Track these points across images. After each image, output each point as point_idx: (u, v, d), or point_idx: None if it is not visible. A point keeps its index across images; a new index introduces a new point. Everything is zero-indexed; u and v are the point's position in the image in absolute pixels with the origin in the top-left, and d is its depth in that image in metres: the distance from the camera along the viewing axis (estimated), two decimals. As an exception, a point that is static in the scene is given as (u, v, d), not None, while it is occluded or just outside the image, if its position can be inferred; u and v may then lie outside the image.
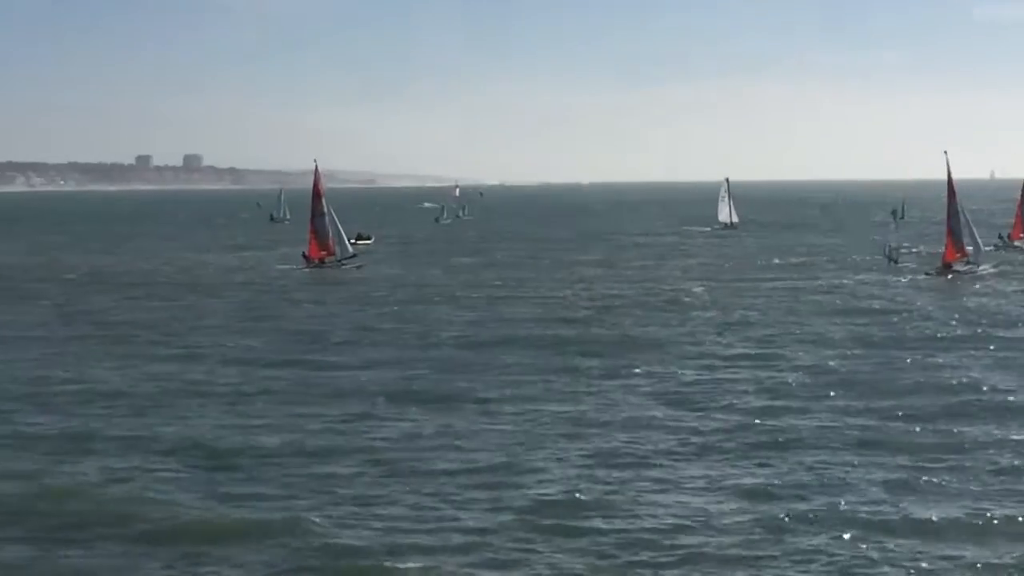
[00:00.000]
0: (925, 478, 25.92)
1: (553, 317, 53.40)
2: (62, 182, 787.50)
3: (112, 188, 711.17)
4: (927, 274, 70.86)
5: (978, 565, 20.91)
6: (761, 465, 27.20)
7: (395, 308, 57.85)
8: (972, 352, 42.46)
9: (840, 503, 24.14)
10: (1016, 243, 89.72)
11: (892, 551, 21.53)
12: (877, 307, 56.29)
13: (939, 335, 46.67)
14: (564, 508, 23.98)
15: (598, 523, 23.09)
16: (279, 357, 43.04)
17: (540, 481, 25.95)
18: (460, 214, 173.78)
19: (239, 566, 21.34)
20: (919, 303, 57.56)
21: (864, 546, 21.70)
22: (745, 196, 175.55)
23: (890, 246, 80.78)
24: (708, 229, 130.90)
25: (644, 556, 21.41)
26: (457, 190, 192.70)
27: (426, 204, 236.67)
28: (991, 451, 28.21)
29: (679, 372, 39.18)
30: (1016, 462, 27.19)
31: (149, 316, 56.14)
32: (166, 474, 27.06)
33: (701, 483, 25.82)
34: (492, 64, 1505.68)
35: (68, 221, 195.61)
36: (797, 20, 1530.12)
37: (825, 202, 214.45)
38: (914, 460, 27.44)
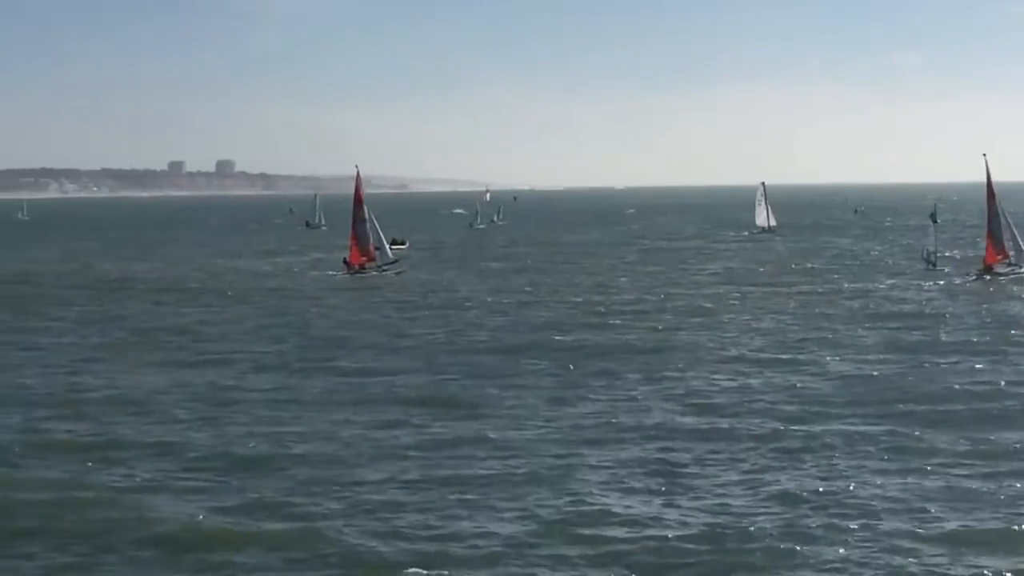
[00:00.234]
0: (958, 485, 25.66)
1: (585, 323, 53.19)
2: (95, 188, 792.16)
3: (144, 194, 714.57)
4: (967, 276, 70.30)
5: (1007, 574, 20.64)
6: (792, 472, 26.98)
7: (427, 313, 57.78)
8: (1010, 357, 42.05)
9: (872, 511, 23.89)
10: None
11: (925, 560, 21.28)
12: (914, 311, 55.94)
13: (976, 339, 46.25)
14: (595, 516, 23.78)
15: (629, 532, 22.87)
16: (311, 364, 42.88)
17: (571, 489, 25.72)
18: (494, 219, 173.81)
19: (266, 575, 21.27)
20: (958, 307, 57.18)
21: (897, 555, 21.44)
22: (780, 200, 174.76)
23: (928, 249, 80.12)
24: (745, 233, 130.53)
25: (674, 564, 21.25)
26: (487, 195, 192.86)
27: (456, 210, 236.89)
28: (1025, 458, 27.89)
29: (710, 377, 38.94)
30: (1052, 469, 26.86)
31: (183, 322, 56.13)
32: (195, 483, 26.91)
33: (731, 490, 25.58)
34: (523, 69, 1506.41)
35: (100, 227, 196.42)
36: (828, 23, 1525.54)
37: (857, 206, 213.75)
38: (947, 467, 27.17)
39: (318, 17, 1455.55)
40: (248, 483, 26.66)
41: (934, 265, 76.88)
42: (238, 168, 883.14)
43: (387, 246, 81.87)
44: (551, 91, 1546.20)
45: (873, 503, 24.40)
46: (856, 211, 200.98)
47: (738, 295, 64.32)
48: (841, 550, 21.69)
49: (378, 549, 22.07)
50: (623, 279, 76.41)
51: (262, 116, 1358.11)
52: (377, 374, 40.48)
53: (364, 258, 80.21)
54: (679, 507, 24.41)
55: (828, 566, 21.03)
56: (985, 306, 57.38)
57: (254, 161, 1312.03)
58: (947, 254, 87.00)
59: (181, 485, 26.63)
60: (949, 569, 20.88)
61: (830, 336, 47.85)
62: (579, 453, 28.87)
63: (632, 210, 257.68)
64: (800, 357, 42.91)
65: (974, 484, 25.71)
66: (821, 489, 25.40)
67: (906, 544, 21.93)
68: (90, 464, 28.46)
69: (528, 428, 31.70)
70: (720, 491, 25.52)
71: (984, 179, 70.76)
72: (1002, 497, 24.82)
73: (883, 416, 32.46)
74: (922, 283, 69.19)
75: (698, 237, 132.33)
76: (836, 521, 23.22)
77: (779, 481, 26.18)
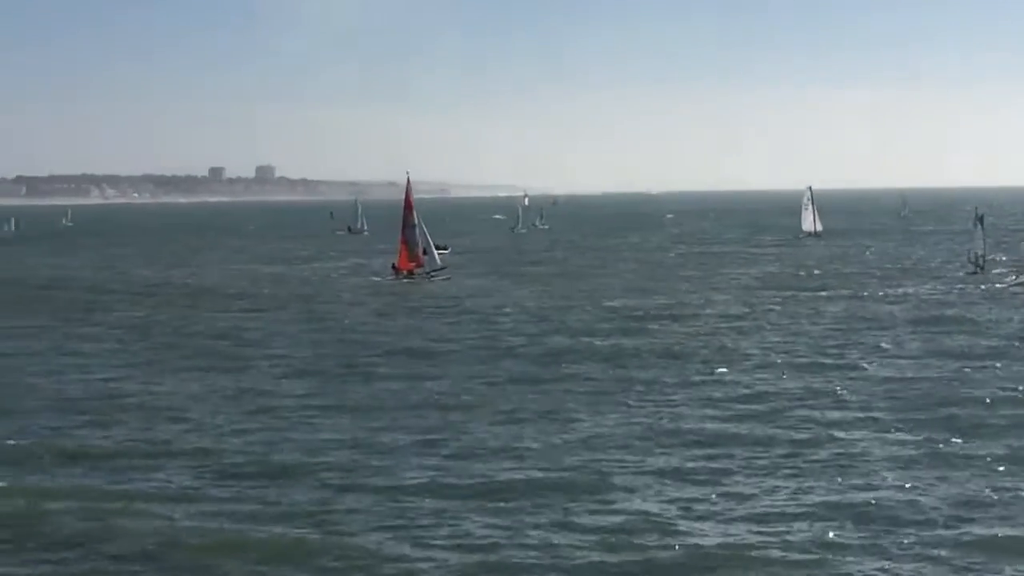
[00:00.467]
0: (1000, 493, 25.34)
1: (624, 327, 53.01)
2: (135, 194, 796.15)
3: (184, 200, 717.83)
4: (1013, 280, 69.73)
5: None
6: (832, 479, 26.66)
7: (468, 318, 57.79)
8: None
9: (913, 519, 23.63)
10: None
11: (967, 569, 21.07)
12: (957, 315, 55.48)
13: (1020, 344, 45.79)
14: (634, 524, 23.58)
15: (667, 540, 22.65)
16: (351, 369, 42.85)
17: (610, 496, 25.55)
18: (536, 223, 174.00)
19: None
20: (1003, 311, 56.72)
21: (939, 564, 21.24)
22: (827, 204, 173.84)
23: (976, 253, 79.44)
24: (788, 237, 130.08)
25: (715, 574, 21.09)
26: (526, 199, 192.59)
27: (496, 216, 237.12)
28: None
29: (750, 383, 38.67)
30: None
31: (221, 327, 56.19)
32: (232, 490, 26.80)
33: (771, 497, 25.32)
34: (563, 74, 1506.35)
35: (141, 233, 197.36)
36: (873, 24, 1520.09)
37: (901, 209, 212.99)
38: (989, 474, 26.84)
39: (359, 22, 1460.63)
40: (284, 491, 26.51)
41: (982, 268, 76.32)
42: (278, 174, 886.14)
43: (435, 252, 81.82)
44: (590, 95, 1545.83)
45: (914, 511, 24.15)
46: (900, 215, 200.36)
47: (779, 300, 64.01)
48: (882, 560, 21.45)
49: (416, 558, 21.92)
50: (663, 284, 76.24)
51: (302, 121, 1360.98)
52: (417, 380, 40.36)
53: (412, 264, 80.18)
54: (719, 515, 24.20)
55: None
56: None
57: (294, 167, 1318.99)
58: (990, 256, 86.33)
59: (217, 493, 26.52)
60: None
61: (871, 341, 47.46)
62: (618, 459, 28.68)
63: (671, 215, 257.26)
64: (841, 362, 42.58)
65: (1017, 492, 25.40)
66: (861, 497, 25.13)
67: (947, 553, 21.69)
68: (126, 471, 28.46)
69: (567, 434, 31.52)
70: (760, 498, 25.29)
71: None
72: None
73: (924, 422, 32.11)
74: (966, 287, 68.75)
75: (738, 242, 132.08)
76: (877, 529, 22.98)
77: (819, 488, 25.91)
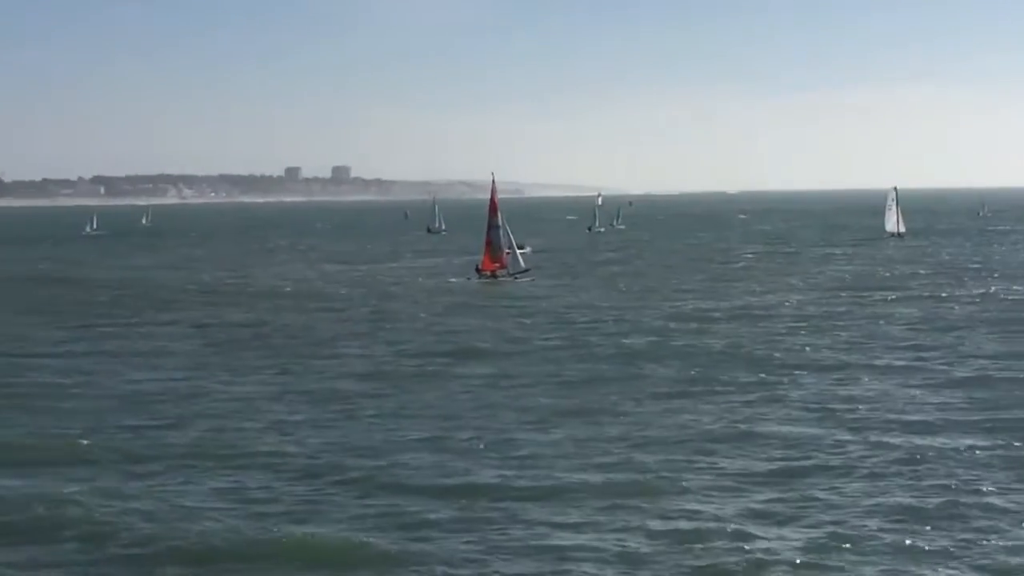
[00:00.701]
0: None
1: (700, 328, 52.71)
2: (212, 194, 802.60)
3: (260, 200, 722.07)
4: None
5: None
6: (909, 484, 26.30)
7: (543, 318, 57.76)
8: None
9: (991, 524, 23.31)
10: None
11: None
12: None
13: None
14: (709, 527, 23.38)
15: (744, 544, 22.38)
16: (427, 370, 42.79)
17: (684, 500, 25.34)
18: (613, 223, 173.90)
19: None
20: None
21: (1018, 573, 20.96)
22: (911, 204, 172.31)
23: None
24: (867, 237, 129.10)
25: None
26: (599, 199, 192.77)
27: (569, 217, 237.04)
28: None
29: (827, 385, 38.30)
30: None
31: (297, 326, 56.34)
32: (302, 494, 26.55)
33: (847, 502, 24.97)
34: (637, 73, 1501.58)
35: (218, 232, 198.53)
36: (951, 24, 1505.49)
37: (980, 209, 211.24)
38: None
39: (434, 22, 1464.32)
40: (357, 494, 26.35)
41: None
42: (353, 174, 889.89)
43: (519, 253, 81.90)
44: (664, 95, 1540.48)
45: (993, 515, 23.83)
46: (979, 214, 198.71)
47: (856, 300, 63.49)
48: (960, 565, 21.23)
49: (488, 562, 21.76)
50: (738, 284, 75.91)
51: (377, 122, 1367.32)
52: (492, 380, 40.35)
53: (496, 264, 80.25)
54: (793, 519, 23.96)
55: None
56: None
57: (369, 167, 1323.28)
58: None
59: (289, 496, 26.37)
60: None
61: (950, 342, 46.96)
62: (692, 461, 28.48)
63: (746, 215, 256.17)
64: (919, 364, 42.15)
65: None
66: (939, 501, 24.80)
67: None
68: (198, 472, 28.48)
69: (641, 435, 31.34)
70: (836, 502, 25.00)
71: None
72: None
73: (1004, 425, 31.68)
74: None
75: (816, 242, 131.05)
76: (955, 535, 22.68)
77: (896, 493, 25.57)
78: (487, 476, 27.52)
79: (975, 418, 32.73)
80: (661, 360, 43.75)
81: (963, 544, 22.20)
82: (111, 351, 49.20)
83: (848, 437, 30.73)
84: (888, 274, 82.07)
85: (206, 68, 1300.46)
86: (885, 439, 30.35)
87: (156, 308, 66.40)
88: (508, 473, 27.72)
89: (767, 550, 22.04)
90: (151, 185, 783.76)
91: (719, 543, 22.40)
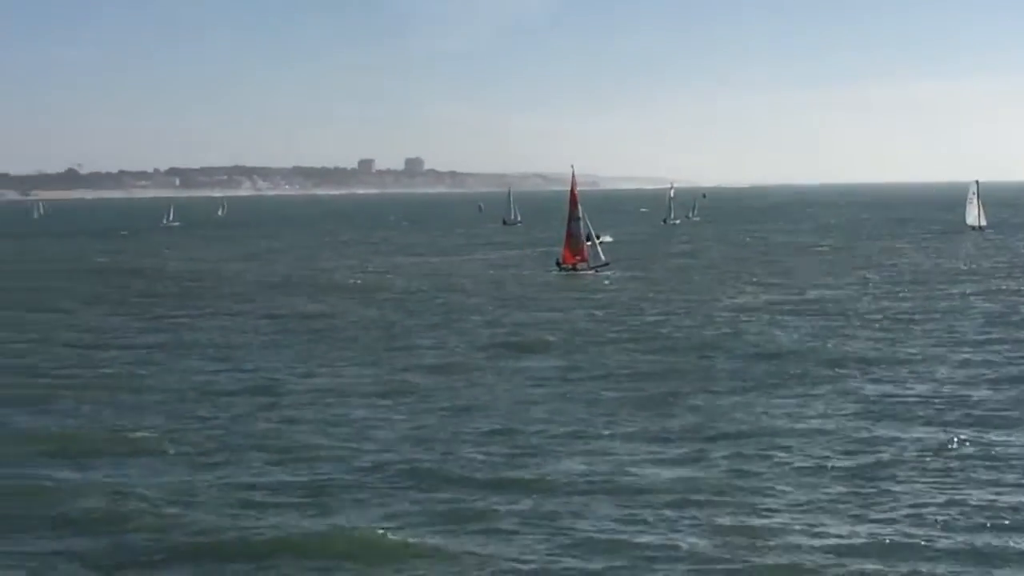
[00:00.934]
0: None
1: (774, 321, 52.37)
2: (286, 186, 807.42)
3: (333, 192, 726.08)
4: None
5: None
6: (982, 483, 25.86)
7: (618, 311, 57.47)
8: None
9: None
10: None
11: None
12: None
13: None
14: (782, 521, 23.18)
15: (816, 540, 22.14)
16: (501, 363, 42.64)
17: (756, 495, 25.06)
18: (688, 215, 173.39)
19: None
20: None
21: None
22: (991, 198, 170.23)
23: None
24: (941, 231, 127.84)
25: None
26: (672, 191, 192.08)
27: (642, 209, 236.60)
28: None
29: (902, 380, 37.76)
30: None
31: (371, 317, 56.35)
32: (372, 488, 26.38)
33: (921, 503, 24.50)
34: (708, 65, 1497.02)
35: (293, 224, 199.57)
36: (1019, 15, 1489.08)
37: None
38: None
39: (505, 16, 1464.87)
40: (425, 488, 26.16)
41: None
42: (427, 166, 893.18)
43: (599, 246, 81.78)
44: (736, 86, 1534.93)
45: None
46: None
47: (932, 294, 62.97)
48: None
49: (560, 558, 21.58)
50: (812, 276, 75.24)
51: (451, 115, 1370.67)
52: (566, 373, 40.21)
53: (577, 257, 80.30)
54: (865, 515, 23.61)
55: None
56: None
57: (443, 159, 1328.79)
58: None
59: (357, 490, 26.16)
60: None
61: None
62: (765, 455, 28.17)
63: (820, 207, 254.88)
64: (995, 359, 41.49)
65: None
66: (1015, 501, 24.40)
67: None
68: (267, 465, 28.36)
69: (712, 427, 31.10)
70: (909, 499, 24.63)
71: None
72: None
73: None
74: None
75: (891, 235, 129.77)
76: (1015, 538, 22.19)
77: (970, 491, 25.17)
78: (557, 470, 27.38)
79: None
80: (733, 353, 43.56)
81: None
82: (186, 342, 49.54)
83: (922, 433, 30.37)
84: (967, 268, 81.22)
85: (280, 61, 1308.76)
86: (960, 435, 29.89)
87: (231, 299, 66.88)
88: (578, 467, 27.58)
89: (838, 546, 21.80)
90: (226, 177, 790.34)
91: (790, 539, 22.20)
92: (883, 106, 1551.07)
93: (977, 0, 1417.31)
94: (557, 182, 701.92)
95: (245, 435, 31.47)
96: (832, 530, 22.76)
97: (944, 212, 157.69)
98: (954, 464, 27.34)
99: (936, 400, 34.56)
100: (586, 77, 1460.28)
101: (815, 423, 31.70)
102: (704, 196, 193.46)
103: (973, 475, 26.39)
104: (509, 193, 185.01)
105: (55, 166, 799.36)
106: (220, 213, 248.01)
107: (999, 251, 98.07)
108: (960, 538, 22.12)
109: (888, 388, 36.61)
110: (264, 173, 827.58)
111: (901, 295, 63.11)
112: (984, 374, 38.69)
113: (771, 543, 22.02)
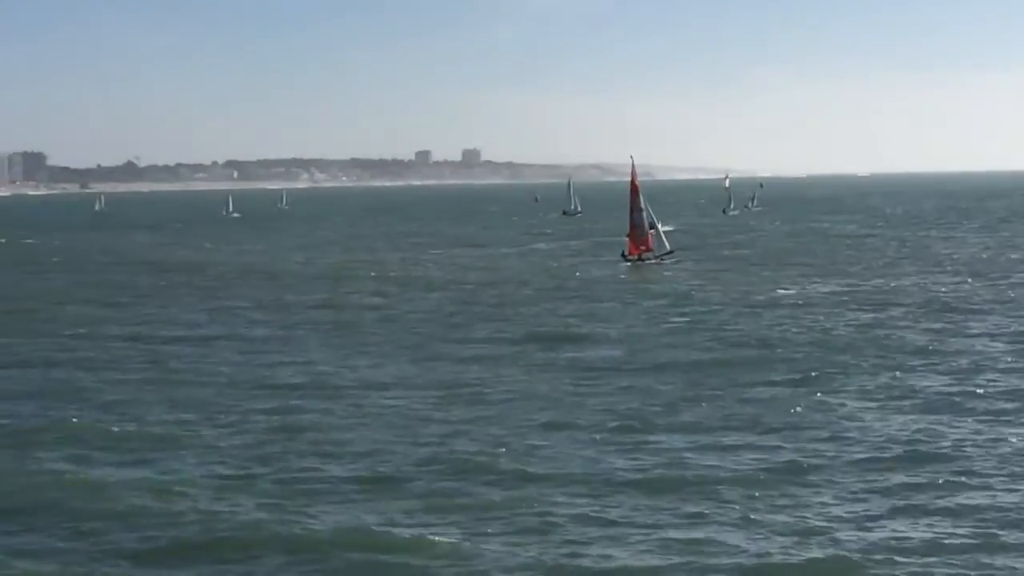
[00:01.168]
0: None
1: (833, 312, 51.90)
2: (344, 177, 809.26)
3: (390, 183, 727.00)
4: None
5: None
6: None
7: (674, 302, 57.20)
8: None
9: None
10: None
11: None
12: None
13: None
14: (838, 516, 23.01)
15: (869, 534, 21.98)
16: (556, 356, 42.50)
17: (812, 492, 24.88)
18: (748, 205, 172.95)
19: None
20: None
21: None
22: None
23: None
24: (1004, 220, 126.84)
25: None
26: (727, 181, 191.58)
27: (700, 200, 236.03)
28: None
29: (957, 374, 37.30)
30: None
31: (430, 312, 56.16)
32: (418, 485, 26.03)
33: (977, 496, 24.36)
34: (766, 54, 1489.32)
35: (353, 216, 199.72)
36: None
37: None
38: None
39: (562, 6, 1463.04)
40: (482, 483, 26.01)
41: None
42: (484, 157, 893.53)
43: (663, 235, 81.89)
44: (794, 75, 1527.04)
45: None
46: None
47: (991, 284, 62.41)
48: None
49: (616, 555, 21.44)
50: (872, 268, 74.71)
51: (508, 106, 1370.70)
52: (621, 364, 40.07)
53: (642, 247, 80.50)
54: (922, 511, 23.40)
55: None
56: None
57: (499, 150, 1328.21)
58: None
59: (410, 486, 25.95)
60: None
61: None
62: (823, 449, 28.00)
63: (881, 196, 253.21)
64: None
65: None
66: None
67: None
68: (320, 460, 28.11)
69: (769, 421, 30.89)
70: (967, 495, 24.37)
71: None
72: None
73: None
74: None
75: (952, 224, 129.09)
76: None
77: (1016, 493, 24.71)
78: (612, 464, 27.27)
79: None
80: (791, 344, 43.32)
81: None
82: (243, 335, 49.70)
83: (982, 426, 30.14)
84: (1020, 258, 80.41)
85: (337, 53, 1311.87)
86: (1015, 437, 29.39)
87: (293, 291, 66.88)
88: (635, 461, 27.48)
89: (894, 541, 21.66)
90: (283, 169, 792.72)
91: (846, 533, 22.03)
92: (940, 96, 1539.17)
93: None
94: (614, 172, 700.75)
95: (299, 430, 31.38)
96: (889, 525, 22.59)
97: (1002, 200, 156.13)
98: (1015, 458, 27.08)
99: (995, 392, 34.26)
100: (641, 67, 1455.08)
101: (873, 416, 31.50)
102: (762, 186, 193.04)
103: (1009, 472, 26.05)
104: (570, 183, 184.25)
105: (113, 159, 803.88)
106: (281, 205, 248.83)
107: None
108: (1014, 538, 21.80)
109: (947, 380, 36.33)
110: (321, 165, 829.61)
111: (962, 285, 62.54)
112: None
113: (827, 537, 21.86)
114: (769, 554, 21.16)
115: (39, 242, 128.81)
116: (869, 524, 22.61)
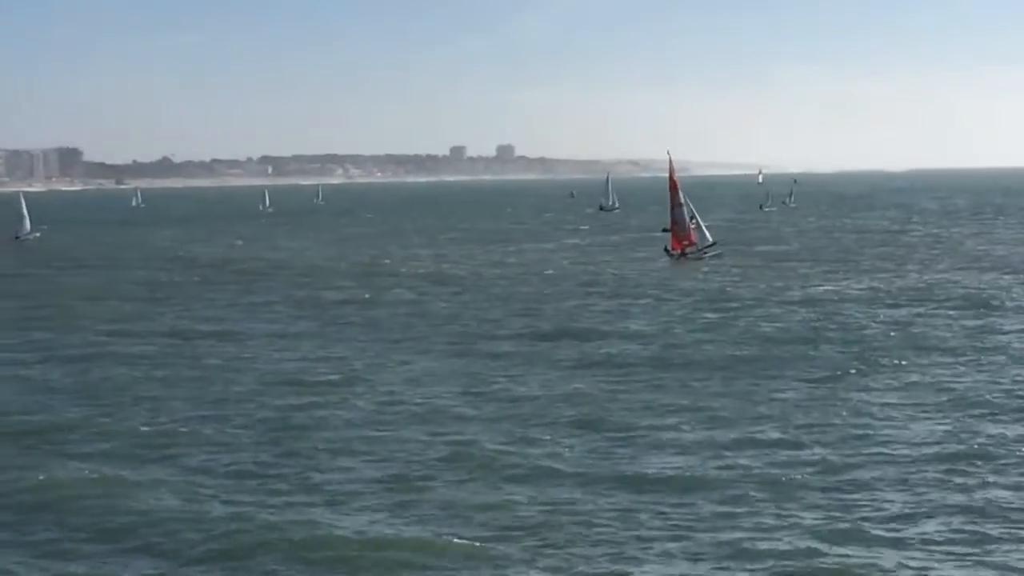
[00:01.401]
0: None
1: (869, 312, 51.43)
2: (378, 173, 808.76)
3: (424, 179, 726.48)
4: None
5: None
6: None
7: (711, 298, 57.15)
8: None
9: None
10: None
11: None
12: None
13: None
14: (873, 517, 22.84)
15: (899, 535, 21.85)
16: (587, 351, 42.40)
17: (844, 494, 24.68)
18: (785, 201, 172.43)
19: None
20: None
21: None
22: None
23: None
24: None
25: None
26: (760, 177, 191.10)
27: (729, 197, 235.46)
28: None
29: (989, 372, 37.04)
30: None
31: (459, 309, 56.02)
32: (445, 486, 25.93)
33: (1013, 496, 24.16)
34: (798, 49, 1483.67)
35: (387, 210, 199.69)
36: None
37: None
38: None
39: (595, 2, 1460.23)
40: (510, 481, 25.84)
41: None
42: (518, 153, 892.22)
43: (704, 228, 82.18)
44: (824, 71, 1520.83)
45: None
46: None
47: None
48: None
49: (646, 558, 21.30)
50: (908, 263, 74.56)
51: (542, 102, 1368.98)
52: (660, 363, 39.86)
53: (684, 243, 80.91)
54: (959, 513, 23.13)
55: None
56: None
57: (533, 146, 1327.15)
58: None
59: (438, 487, 25.78)
60: None
61: None
62: (859, 448, 27.79)
63: (908, 194, 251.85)
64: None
65: None
66: None
67: None
68: (350, 460, 27.98)
69: (804, 422, 30.62)
70: (1006, 497, 24.12)
71: None
72: None
73: None
74: None
75: (991, 220, 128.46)
76: None
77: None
78: (647, 462, 27.21)
79: None
80: (826, 342, 43.14)
81: None
82: (277, 332, 49.87)
83: (1017, 427, 29.90)
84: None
85: (371, 51, 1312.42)
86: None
87: (328, 287, 66.99)
88: (667, 459, 27.42)
89: (930, 541, 21.56)
90: (318, 165, 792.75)
91: (882, 534, 21.92)
92: (970, 92, 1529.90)
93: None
94: (648, 168, 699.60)
95: (328, 427, 31.40)
96: (924, 525, 22.48)
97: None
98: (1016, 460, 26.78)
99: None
100: (672, 63, 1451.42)
101: (908, 414, 31.37)
102: (795, 181, 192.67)
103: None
104: (608, 178, 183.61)
105: (148, 155, 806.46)
106: (317, 200, 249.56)
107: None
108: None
109: (983, 378, 36.10)
110: (356, 161, 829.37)
111: (998, 281, 62.24)
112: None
113: (862, 537, 21.75)
114: (802, 555, 21.00)
115: (74, 237, 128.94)
116: (903, 524, 22.47)
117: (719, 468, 26.54)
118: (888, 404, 32.72)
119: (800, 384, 35.73)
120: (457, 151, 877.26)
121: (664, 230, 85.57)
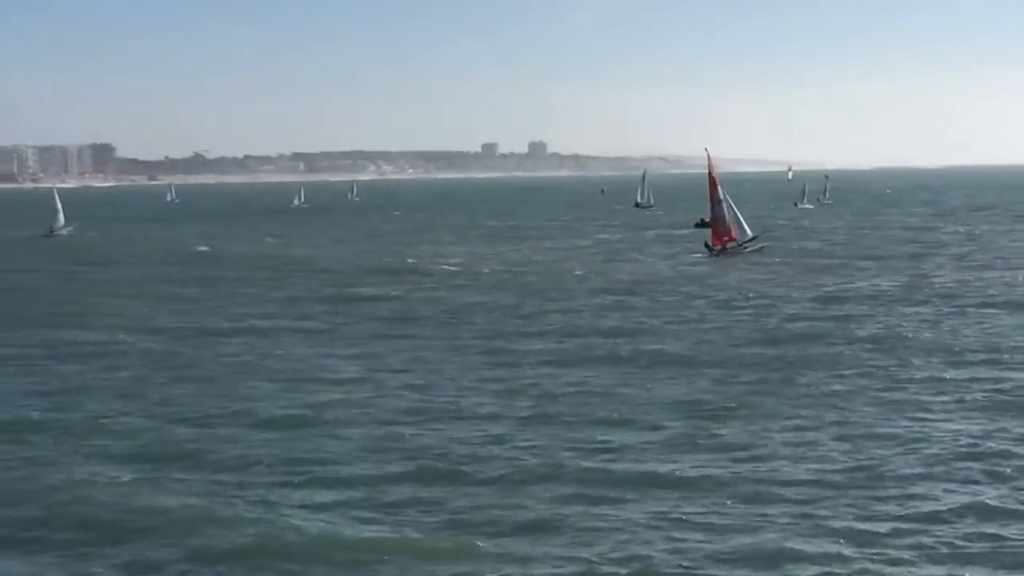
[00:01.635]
0: None
1: (895, 311, 50.98)
2: (410, 170, 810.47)
3: (455, 176, 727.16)
4: None
5: None
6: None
7: (743, 297, 56.88)
8: None
9: None
10: None
11: None
12: None
13: None
14: (907, 517, 22.67)
15: (929, 539, 21.64)
16: (618, 351, 42.11)
17: (876, 497, 24.38)
18: (820, 198, 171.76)
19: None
20: None
21: None
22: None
23: None
24: None
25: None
26: (790, 173, 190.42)
27: (758, 192, 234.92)
28: None
29: (1018, 377, 36.44)
30: None
31: (507, 306, 55.63)
32: (476, 490, 25.66)
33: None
34: (824, 44, 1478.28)
35: (420, 207, 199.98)
36: None
37: None
38: None
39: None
40: (541, 483, 25.58)
41: None
42: (550, 149, 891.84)
43: (744, 224, 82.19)
44: (855, 67, 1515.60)
45: None
46: None
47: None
48: None
49: (672, 560, 21.11)
50: (942, 262, 74.14)
51: (574, 98, 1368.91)
52: (686, 361, 39.69)
53: (725, 238, 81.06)
54: (992, 520, 22.77)
55: None
56: None
57: (565, 142, 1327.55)
58: None
59: (468, 492, 25.46)
60: None
61: None
62: (892, 452, 27.49)
63: (942, 191, 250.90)
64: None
65: None
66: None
67: None
68: (377, 464, 27.59)
69: (834, 422, 30.26)
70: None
71: None
72: None
73: None
74: None
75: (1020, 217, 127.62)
76: None
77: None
78: (675, 464, 26.97)
79: None
80: (858, 341, 42.90)
81: None
82: (312, 329, 49.73)
83: None
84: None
85: (402, 47, 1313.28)
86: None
87: (359, 284, 66.94)
88: (698, 460, 27.24)
89: (963, 543, 21.40)
90: (350, 161, 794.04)
91: (914, 537, 21.71)
92: (1002, 89, 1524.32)
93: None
94: (680, 165, 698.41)
95: (356, 424, 31.25)
96: (957, 526, 22.26)
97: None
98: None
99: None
100: (703, 59, 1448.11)
101: (940, 415, 31.10)
102: (827, 178, 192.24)
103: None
104: (644, 175, 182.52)
105: (180, 152, 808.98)
106: (351, 196, 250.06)
107: None
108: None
109: (1018, 377, 35.77)
110: (388, 157, 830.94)
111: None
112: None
113: (893, 539, 21.57)
114: (834, 558, 20.81)
115: (106, 235, 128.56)
116: (936, 526, 22.26)
117: (750, 469, 26.34)
118: (921, 405, 32.41)
119: (832, 383, 35.40)
120: (489, 148, 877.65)
121: (696, 225, 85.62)
